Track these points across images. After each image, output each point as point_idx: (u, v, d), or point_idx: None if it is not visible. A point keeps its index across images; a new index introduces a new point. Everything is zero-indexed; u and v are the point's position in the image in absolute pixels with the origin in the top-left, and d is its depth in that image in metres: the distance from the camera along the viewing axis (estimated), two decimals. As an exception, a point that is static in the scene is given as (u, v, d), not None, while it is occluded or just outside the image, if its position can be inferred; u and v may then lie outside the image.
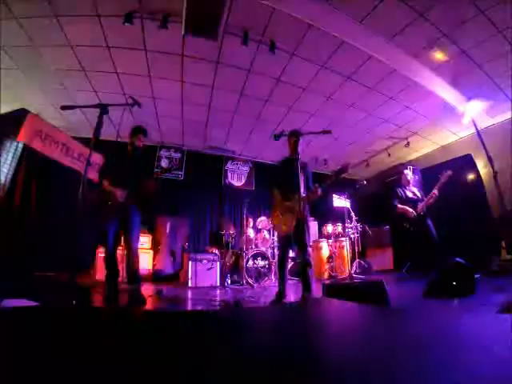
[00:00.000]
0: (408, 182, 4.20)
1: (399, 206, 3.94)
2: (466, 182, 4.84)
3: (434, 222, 3.81)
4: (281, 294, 2.58)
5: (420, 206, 3.81)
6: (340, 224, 5.25)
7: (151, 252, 4.75)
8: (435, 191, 3.72)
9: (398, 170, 6.21)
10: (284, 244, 2.69)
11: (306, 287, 2.36)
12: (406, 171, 4.35)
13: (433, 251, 3.75)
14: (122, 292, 2.76)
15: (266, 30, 3.32)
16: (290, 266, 4.29)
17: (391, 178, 6.89)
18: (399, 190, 4.12)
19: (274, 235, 4.87)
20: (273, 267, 4.44)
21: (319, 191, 2.47)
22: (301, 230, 2.49)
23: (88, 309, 1.68)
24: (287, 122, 5.29)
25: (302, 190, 2.62)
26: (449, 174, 3.67)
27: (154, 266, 4.78)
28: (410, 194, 4.04)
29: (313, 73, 4.02)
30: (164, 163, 6.20)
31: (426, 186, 4.60)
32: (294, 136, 2.64)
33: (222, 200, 6.72)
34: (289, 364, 0.55)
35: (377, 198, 6.58)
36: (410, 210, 3.82)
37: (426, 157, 6.28)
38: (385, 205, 4.40)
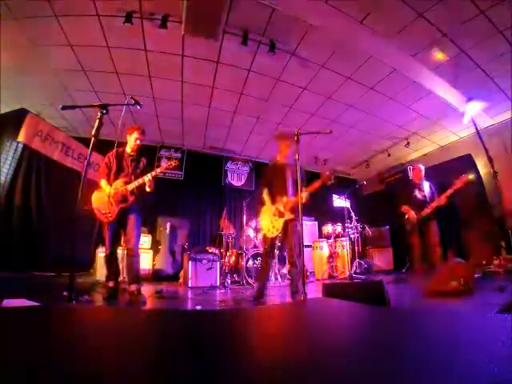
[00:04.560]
0: (419, 177, 3.85)
1: (403, 207, 3.80)
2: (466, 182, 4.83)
3: (439, 224, 3.60)
4: (258, 293, 2.59)
5: (425, 209, 3.60)
6: (340, 224, 5.25)
7: (151, 252, 4.75)
8: (443, 199, 3.49)
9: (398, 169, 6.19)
10: (270, 245, 2.69)
11: (292, 287, 2.49)
12: (419, 165, 3.94)
13: (431, 253, 3.72)
14: (122, 292, 2.77)
15: (266, 30, 3.32)
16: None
17: (391, 178, 6.90)
18: (407, 191, 3.90)
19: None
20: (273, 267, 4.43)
21: (307, 195, 2.48)
22: (289, 231, 2.52)
23: (88, 309, 1.68)
24: (287, 122, 5.30)
25: (291, 192, 2.64)
26: (464, 180, 3.35)
27: (153, 265, 4.78)
28: (418, 195, 3.78)
29: (313, 73, 4.02)
30: (164, 162, 6.19)
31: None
32: (284, 138, 2.64)
33: (222, 200, 6.72)
34: (289, 364, 0.55)
35: (377, 198, 6.57)
36: (413, 212, 3.68)
37: (425, 157, 6.27)
38: (387, 205, 4.23)
